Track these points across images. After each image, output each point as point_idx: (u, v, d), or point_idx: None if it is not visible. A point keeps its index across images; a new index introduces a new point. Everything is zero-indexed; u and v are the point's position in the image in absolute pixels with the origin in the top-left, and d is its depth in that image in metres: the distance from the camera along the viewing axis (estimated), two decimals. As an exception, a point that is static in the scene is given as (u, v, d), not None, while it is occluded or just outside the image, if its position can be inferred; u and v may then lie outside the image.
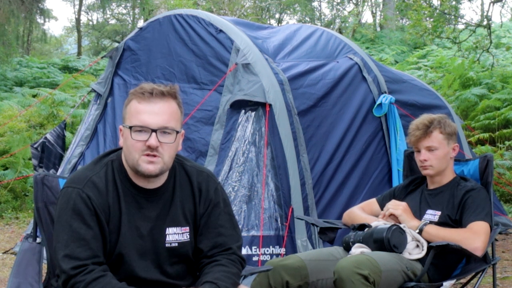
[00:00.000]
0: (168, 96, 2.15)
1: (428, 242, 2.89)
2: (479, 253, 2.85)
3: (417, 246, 2.94)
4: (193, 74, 4.73)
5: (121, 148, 2.21)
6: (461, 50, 10.72)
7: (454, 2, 12.74)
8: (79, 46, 23.32)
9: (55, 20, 38.14)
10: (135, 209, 2.18)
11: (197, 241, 2.26)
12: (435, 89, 7.43)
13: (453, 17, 10.87)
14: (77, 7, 26.20)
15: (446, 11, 10.04)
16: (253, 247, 4.06)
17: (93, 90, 5.56)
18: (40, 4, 16.05)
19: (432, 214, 3.06)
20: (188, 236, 2.24)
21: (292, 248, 4.09)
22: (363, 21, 24.13)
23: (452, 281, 3.09)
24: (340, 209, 4.30)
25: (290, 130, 4.28)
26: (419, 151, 3.12)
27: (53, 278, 2.31)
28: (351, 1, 25.58)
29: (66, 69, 16.35)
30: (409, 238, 2.92)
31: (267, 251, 4.08)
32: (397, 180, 4.64)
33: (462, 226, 2.96)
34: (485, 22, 10.10)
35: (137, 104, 2.13)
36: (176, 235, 2.21)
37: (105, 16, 28.56)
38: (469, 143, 7.30)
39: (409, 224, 2.99)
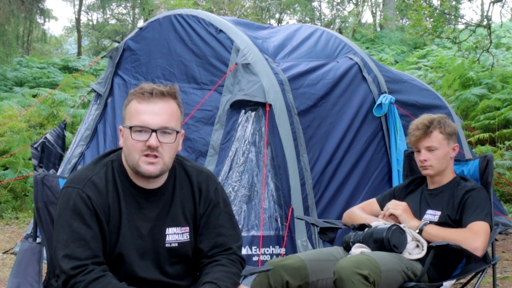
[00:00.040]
0: (168, 96, 2.15)
1: (428, 242, 2.89)
2: (479, 253, 2.85)
3: (417, 246, 2.94)
4: (193, 74, 4.73)
5: (121, 148, 2.21)
6: (461, 50, 10.72)
7: (454, 2, 12.74)
8: (79, 46, 23.32)
9: (55, 20, 38.17)
10: (135, 209, 2.18)
11: (197, 241, 2.26)
12: (435, 89, 7.44)
13: (453, 17, 10.87)
14: (77, 7, 26.22)
15: (446, 11, 10.04)
16: (253, 247, 4.06)
17: (93, 90, 5.56)
18: (40, 4, 16.05)
19: (432, 214, 3.06)
20: (188, 236, 2.24)
21: (292, 248, 4.09)
22: (363, 21, 24.15)
23: (452, 281, 3.09)
24: (340, 209, 4.30)
25: (290, 130, 4.28)
26: (419, 151, 3.12)
27: (53, 278, 2.31)
28: (351, 1, 25.59)
29: (66, 69, 16.35)
30: (409, 238, 2.92)
31: (267, 251, 4.08)
32: (397, 180, 4.64)
33: (462, 226, 2.96)
34: (485, 22, 10.10)
35: (137, 104, 2.13)
36: (176, 235, 2.21)
37: (105, 16, 28.57)
38: (469, 143, 7.30)
39: (409, 224, 2.99)
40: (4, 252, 5.31)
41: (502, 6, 12.63)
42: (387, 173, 4.78)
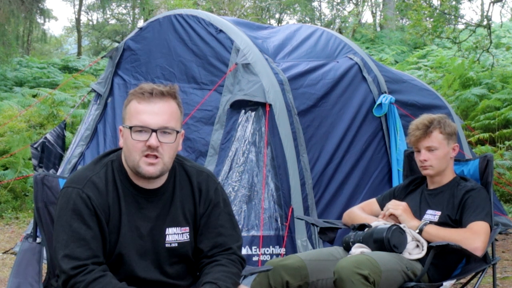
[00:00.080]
0: (168, 96, 2.15)
1: (428, 242, 2.89)
2: (479, 253, 2.85)
3: (417, 246, 2.94)
4: (193, 74, 4.73)
5: (121, 148, 2.21)
6: (461, 50, 10.72)
7: (454, 2, 12.74)
8: (79, 46, 23.32)
9: (55, 20, 38.17)
10: (135, 209, 2.18)
11: (197, 241, 2.26)
12: (435, 89, 7.43)
13: (453, 17, 10.87)
14: (77, 7, 26.22)
15: (446, 11, 10.04)
16: (253, 247, 4.06)
17: (93, 90, 5.56)
18: (40, 4, 16.05)
19: (432, 214, 3.06)
20: (188, 236, 2.24)
21: (292, 248, 4.09)
22: (363, 21, 24.15)
23: (452, 281, 3.09)
24: (340, 209, 4.30)
25: (290, 130, 4.28)
26: (419, 151, 3.12)
27: (53, 278, 2.31)
28: (351, 1, 25.59)
29: (66, 69, 16.35)
30: (409, 238, 2.92)
31: (267, 251, 4.08)
32: (397, 180, 4.64)
33: (462, 226, 2.96)
34: (485, 22, 10.11)
35: (137, 104, 2.13)
36: (176, 235, 2.21)
37: (105, 16, 28.57)
38: (469, 143, 7.30)
39: (409, 224, 2.99)
40: (4, 252, 5.31)
41: (502, 6, 12.64)
42: (387, 173, 4.78)
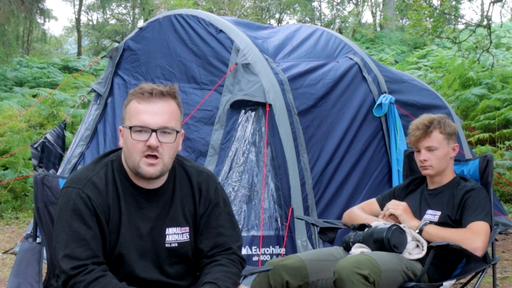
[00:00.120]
0: (168, 96, 2.15)
1: (428, 242, 2.89)
2: (479, 253, 2.85)
3: (417, 246, 2.94)
4: (193, 74, 4.73)
5: (121, 148, 2.21)
6: (461, 50, 10.72)
7: (454, 2, 12.74)
8: (79, 46, 23.33)
9: (55, 20, 38.17)
10: (135, 209, 2.18)
11: (197, 241, 2.26)
12: (435, 89, 7.44)
13: (453, 17, 10.87)
14: (77, 7, 26.22)
15: (446, 11, 10.04)
16: (253, 247, 4.06)
17: (93, 90, 5.56)
18: (40, 4, 16.05)
19: (432, 214, 3.06)
20: (188, 236, 2.24)
21: (292, 248, 4.09)
22: (363, 21, 24.15)
23: (452, 281, 3.09)
24: (340, 209, 4.30)
25: (290, 130, 4.28)
26: (419, 151, 3.12)
27: (53, 278, 2.31)
28: (351, 1, 25.59)
29: (66, 69, 16.35)
30: (409, 238, 2.92)
31: (267, 251, 4.08)
32: (397, 180, 4.64)
33: (462, 226, 2.96)
34: (485, 22, 10.11)
35: (137, 105, 2.13)
36: (176, 235, 2.21)
37: (105, 16, 28.57)
38: (469, 143, 7.30)
39: (409, 224, 2.99)
40: (4, 252, 5.31)
41: (502, 6, 12.64)
42: (387, 173, 4.78)
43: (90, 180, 2.14)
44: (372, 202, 3.37)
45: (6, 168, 7.63)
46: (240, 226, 3.85)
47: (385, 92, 4.85)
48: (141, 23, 23.79)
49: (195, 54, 4.75)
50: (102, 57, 6.95)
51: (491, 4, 9.74)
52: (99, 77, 6.08)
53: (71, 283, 2.03)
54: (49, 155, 5.55)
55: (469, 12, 56.86)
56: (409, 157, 3.48)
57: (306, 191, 4.25)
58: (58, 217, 2.13)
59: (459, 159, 3.37)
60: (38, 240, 2.47)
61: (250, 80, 4.36)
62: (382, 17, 24.16)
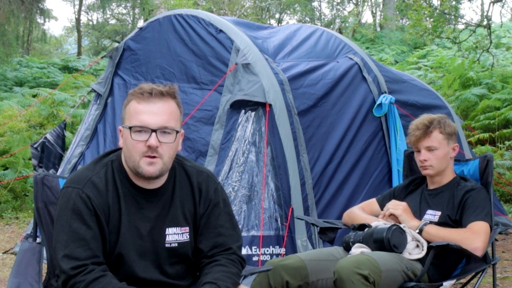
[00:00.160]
0: (167, 96, 2.15)
1: (428, 242, 2.89)
2: (479, 253, 2.85)
3: (417, 246, 2.94)
4: (193, 74, 4.73)
5: (121, 148, 2.21)
6: (461, 50, 10.72)
7: (454, 2, 12.74)
8: (79, 46, 23.33)
9: (55, 20, 38.18)
10: (135, 210, 2.18)
11: (197, 241, 2.25)
12: (435, 89, 7.43)
13: (453, 17, 10.87)
14: (77, 7, 26.22)
15: (446, 11, 10.04)
16: (253, 247, 4.06)
17: (93, 90, 5.56)
18: (40, 4, 16.05)
19: (432, 214, 3.06)
20: (188, 236, 2.23)
21: (292, 248, 4.09)
22: (363, 21, 24.15)
23: (452, 281, 3.09)
24: (340, 209, 4.30)
25: (290, 130, 4.28)
26: (419, 151, 3.12)
27: (53, 278, 2.31)
28: (351, 1, 25.59)
29: (66, 69, 16.35)
30: (409, 238, 2.92)
31: (267, 251, 4.08)
32: (397, 180, 4.64)
33: (462, 226, 2.96)
34: (485, 22, 10.11)
35: (137, 105, 2.13)
36: (176, 235, 2.21)
37: (105, 16, 28.57)
38: (469, 143, 7.30)
39: (409, 224, 2.99)
40: (4, 252, 5.31)
41: (502, 6, 12.64)
42: (387, 173, 4.78)
43: (90, 180, 2.14)
44: (372, 202, 3.37)
45: (6, 168, 7.63)
46: (240, 226, 3.85)
47: (385, 92, 4.85)
48: (141, 23, 23.80)
49: (195, 54, 4.75)
50: (102, 57, 6.95)
51: (491, 4, 9.74)
52: (99, 77, 6.08)
53: (71, 283, 2.03)
54: (49, 155, 5.55)
55: (469, 12, 56.95)
56: (409, 157, 3.48)
57: (306, 191, 4.25)
58: (58, 217, 2.13)
59: (459, 159, 3.37)
60: (38, 240, 2.47)
61: (250, 80, 4.36)
62: (382, 17, 24.16)
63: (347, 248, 3.02)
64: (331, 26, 24.19)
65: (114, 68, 5.34)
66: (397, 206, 3.09)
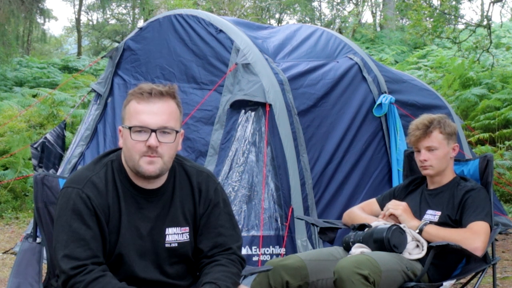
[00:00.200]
0: (167, 96, 2.15)
1: (428, 242, 2.89)
2: (479, 253, 2.85)
3: (417, 246, 2.94)
4: (193, 74, 4.73)
5: (121, 148, 2.21)
6: (461, 50, 10.72)
7: (454, 2, 12.74)
8: (79, 46, 23.33)
9: (55, 20, 38.20)
10: (135, 210, 2.18)
11: (197, 241, 2.25)
12: (435, 89, 7.43)
13: (453, 17, 10.87)
14: (77, 7, 26.22)
15: (446, 11, 10.03)
16: (253, 247, 4.06)
17: (93, 90, 5.56)
18: (40, 4, 16.05)
19: (432, 214, 3.06)
20: (188, 236, 2.23)
21: (292, 248, 4.09)
22: (363, 21, 24.15)
23: (452, 281, 3.09)
24: (340, 209, 4.30)
25: (290, 130, 4.28)
26: (419, 151, 3.12)
27: (53, 278, 2.31)
28: (351, 1, 25.59)
29: (66, 69, 16.36)
30: (409, 238, 2.92)
31: (267, 251, 4.08)
32: (397, 180, 4.64)
33: (462, 226, 2.96)
34: (485, 22, 10.11)
35: (136, 105, 2.13)
36: (176, 235, 2.21)
37: (105, 16, 28.58)
38: (469, 143, 7.30)
39: (409, 224, 2.99)
40: (4, 252, 5.31)
41: (502, 6, 12.64)
42: (387, 173, 4.78)
43: (90, 180, 2.14)
44: (372, 202, 3.37)
45: (6, 168, 7.63)
46: (240, 226, 3.86)
47: (385, 92, 4.85)
48: (141, 23, 23.80)
49: (195, 54, 4.75)
50: (102, 57, 6.95)
51: (491, 4, 9.74)
52: (99, 77, 6.08)
53: (71, 283, 2.03)
54: (49, 155, 5.55)
55: (469, 12, 56.96)
56: (409, 157, 3.48)
57: (306, 191, 4.25)
58: (58, 217, 2.13)
59: (459, 159, 3.37)
60: (38, 240, 2.47)
61: (250, 80, 4.36)
62: (382, 17, 24.16)
63: (347, 248, 3.02)
64: (331, 26, 24.20)
65: (114, 68, 5.34)
66: (397, 206, 3.09)
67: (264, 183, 4.16)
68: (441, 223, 2.99)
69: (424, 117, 3.14)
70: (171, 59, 4.90)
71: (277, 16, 27.22)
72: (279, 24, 23.59)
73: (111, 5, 26.67)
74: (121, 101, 4.94)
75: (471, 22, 10.76)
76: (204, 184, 2.28)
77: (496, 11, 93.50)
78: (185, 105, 4.21)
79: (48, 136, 5.67)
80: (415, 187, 3.27)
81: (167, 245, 2.20)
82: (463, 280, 3.34)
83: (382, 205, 3.26)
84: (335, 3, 26.14)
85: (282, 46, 4.93)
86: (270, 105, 4.27)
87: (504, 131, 8.40)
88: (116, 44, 8.85)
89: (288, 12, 27.38)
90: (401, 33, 19.71)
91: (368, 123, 4.75)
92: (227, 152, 4.32)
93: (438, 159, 3.07)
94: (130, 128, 2.11)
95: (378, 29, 23.69)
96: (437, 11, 9.98)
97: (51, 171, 5.44)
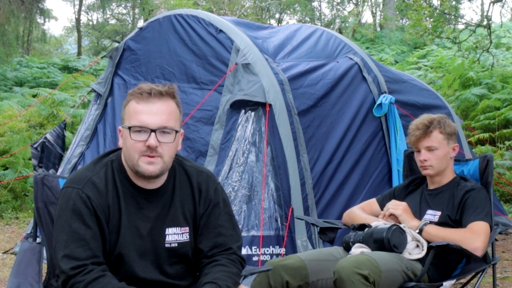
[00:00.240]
0: (167, 96, 2.15)
1: (428, 242, 2.89)
2: (479, 253, 2.85)
3: (417, 246, 2.94)
4: (193, 74, 4.73)
5: (121, 148, 2.21)
6: (461, 50, 10.72)
7: (454, 2, 12.74)
8: (79, 46, 23.33)
9: (55, 20, 38.20)
10: (134, 210, 2.18)
11: (197, 241, 2.25)
12: (435, 89, 7.43)
13: (453, 17, 10.87)
14: (77, 7, 26.22)
15: (446, 11, 10.04)
16: (253, 247, 4.06)
17: (93, 90, 5.56)
18: (40, 4, 16.05)
19: (432, 214, 3.06)
20: (188, 236, 2.23)
21: (292, 248, 4.09)
22: (363, 21, 24.15)
23: (452, 281, 3.09)
24: (340, 209, 4.30)
25: (290, 130, 4.28)
26: (419, 151, 3.12)
27: (53, 278, 2.31)
28: (351, 1, 25.59)
29: (66, 69, 16.36)
30: (409, 238, 2.92)
31: (267, 251, 4.08)
32: (397, 180, 4.64)
33: (462, 226, 2.96)
34: (485, 22, 10.11)
35: (136, 105, 2.13)
36: (175, 235, 2.21)
37: (105, 16, 28.58)
38: (469, 143, 7.30)
39: (409, 224, 2.99)
40: (4, 252, 5.31)
41: (502, 6, 12.64)
42: (387, 173, 4.78)
43: (90, 180, 2.14)
44: (372, 202, 3.37)
45: (6, 168, 7.63)
46: (240, 226, 3.86)
47: (385, 92, 4.85)
48: (141, 23, 23.80)
49: (195, 54, 4.75)
50: (102, 57, 6.95)
51: (491, 4, 9.74)
52: (99, 77, 6.08)
53: (71, 283, 2.03)
54: (49, 155, 5.55)
55: (469, 12, 56.97)
56: (409, 157, 3.48)
57: (306, 191, 4.25)
58: (58, 217, 2.13)
59: (459, 159, 3.37)
60: (38, 240, 2.47)
61: (250, 80, 4.36)
62: (382, 17, 24.16)
63: (347, 248, 3.02)
64: (331, 26, 24.20)
65: (114, 68, 5.34)
66: (397, 206, 3.09)
67: (264, 183, 4.16)
68: (441, 223, 2.99)
69: (424, 117, 3.14)
70: (171, 59, 4.90)
71: (277, 16, 27.23)
72: (279, 24, 23.59)
73: (111, 5, 26.67)
74: (121, 101, 4.93)
75: (471, 22, 10.76)
76: (204, 184, 2.28)
77: (496, 11, 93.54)
78: (185, 105, 4.22)
79: (48, 136, 5.67)
80: (415, 187, 3.27)
81: (167, 245, 2.20)
82: (463, 280, 3.34)
83: (382, 205, 3.26)
84: (335, 3, 26.15)
85: (282, 46, 4.93)
86: (270, 105, 4.27)
87: (504, 131, 8.40)
88: (116, 44, 8.85)
89: (288, 12, 27.39)
90: (401, 33, 19.71)
91: (368, 123, 4.75)
92: (227, 152, 4.32)
93: (438, 159, 3.07)
94: (129, 128, 2.11)
95: (378, 29, 23.69)
96: (437, 11, 9.98)
97: (51, 171, 5.44)
